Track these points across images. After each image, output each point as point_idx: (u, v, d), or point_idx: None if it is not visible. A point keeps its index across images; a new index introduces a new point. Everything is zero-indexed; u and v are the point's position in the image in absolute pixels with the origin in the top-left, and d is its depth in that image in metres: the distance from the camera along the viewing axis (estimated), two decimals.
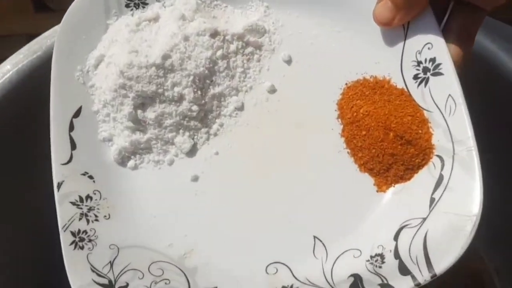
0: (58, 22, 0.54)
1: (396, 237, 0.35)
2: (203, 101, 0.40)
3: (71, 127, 0.39)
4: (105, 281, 0.34)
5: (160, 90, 0.38)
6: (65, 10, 0.47)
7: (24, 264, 0.53)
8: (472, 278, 0.57)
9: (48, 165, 0.38)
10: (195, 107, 0.39)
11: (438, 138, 0.36)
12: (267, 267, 0.36)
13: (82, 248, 0.35)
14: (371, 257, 0.35)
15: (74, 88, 0.40)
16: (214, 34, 0.40)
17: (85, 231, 0.36)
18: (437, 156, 0.36)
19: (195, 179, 0.39)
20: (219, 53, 0.40)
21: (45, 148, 0.41)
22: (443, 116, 0.36)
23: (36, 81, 0.48)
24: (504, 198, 0.35)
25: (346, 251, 0.36)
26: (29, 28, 0.80)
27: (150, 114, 0.39)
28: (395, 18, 0.36)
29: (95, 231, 0.36)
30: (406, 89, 0.38)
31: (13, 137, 0.49)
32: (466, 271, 0.56)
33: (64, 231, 0.35)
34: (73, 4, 0.41)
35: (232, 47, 0.41)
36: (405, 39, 0.38)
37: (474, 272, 0.57)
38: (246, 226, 0.38)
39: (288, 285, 0.35)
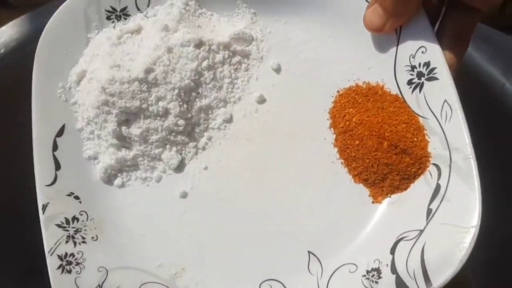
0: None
1: (392, 251, 0.35)
2: (189, 115, 0.40)
3: (55, 147, 0.39)
4: None
5: (144, 105, 0.38)
6: (25, 6, 0.47)
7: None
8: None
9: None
10: (181, 121, 0.39)
11: (435, 146, 0.36)
12: (260, 284, 0.36)
13: (69, 272, 0.35)
14: (367, 272, 0.35)
15: (56, 106, 0.40)
16: (199, 44, 0.40)
17: (72, 254, 0.36)
18: (434, 164, 0.35)
19: (184, 195, 0.39)
20: (204, 64, 0.40)
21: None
22: (439, 123, 0.35)
23: None
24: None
25: (342, 265, 0.36)
26: None
27: (135, 130, 0.39)
28: (385, 24, 0.36)
29: (82, 254, 0.36)
30: (400, 95, 0.38)
31: None
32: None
33: (51, 255, 0.35)
34: (52, 18, 0.41)
35: (218, 57, 0.41)
36: (398, 43, 0.37)
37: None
38: (238, 242, 0.38)
39: None
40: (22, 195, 0.39)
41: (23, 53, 0.53)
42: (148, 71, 0.38)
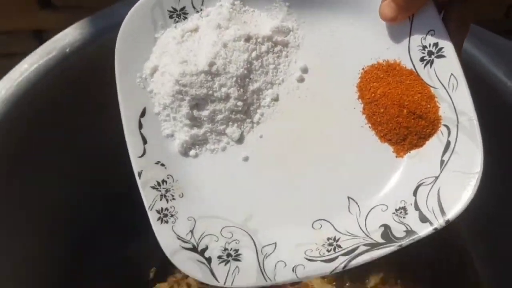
0: (63, 18, 0.59)
1: (415, 193, 0.41)
2: (245, 97, 0.45)
3: (140, 125, 0.45)
4: (190, 246, 0.42)
5: (210, 92, 0.44)
6: (69, 7, 0.52)
7: None
8: (454, 255, 0.64)
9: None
10: (239, 103, 0.45)
11: (444, 111, 0.41)
12: (313, 223, 0.43)
13: (167, 222, 0.42)
14: (396, 210, 0.41)
15: (137, 93, 0.46)
16: (248, 38, 0.45)
17: (166, 209, 0.43)
18: (444, 125, 0.41)
19: (246, 159, 0.45)
20: (253, 54, 0.45)
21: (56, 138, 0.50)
22: (447, 92, 0.41)
23: (51, 78, 0.55)
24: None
25: (375, 206, 0.42)
26: (34, 24, 0.84)
27: (204, 112, 0.45)
28: (398, 16, 0.41)
29: (174, 208, 0.43)
30: (414, 70, 0.43)
31: (36, 133, 0.56)
32: (450, 249, 0.64)
33: (150, 210, 0.42)
34: (124, 22, 0.46)
35: (264, 48, 0.46)
36: (411, 27, 0.42)
37: (456, 250, 0.64)
38: (293, 192, 0.44)
39: (332, 237, 0.42)
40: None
41: (85, 52, 0.59)
42: (211, 64, 0.44)
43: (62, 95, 0.58)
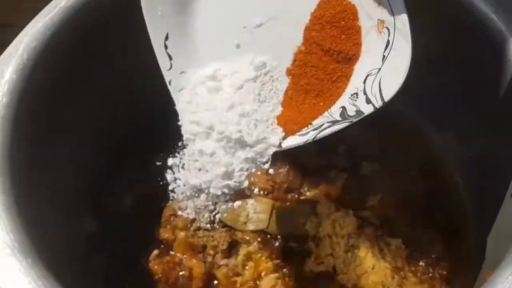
0: None
1: (364, 81, 0.49)
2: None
3: (166, 47, 0.52)
4: None
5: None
6: None
7: None
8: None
9: None
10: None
11: (386, 16, 0.50)
12: None
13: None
14: (351, 95, 0.49)
15: (159, 22, 0.53)
16: (240, 87, 0.52)
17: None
18: (386, 27, 0.51)
19: None
20: (256, 91, 0.53)
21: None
22: (389, 3, 0.50)
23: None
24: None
25: None
26: None
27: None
28: None
29: None
30: None
31: (77, 57, 0.61)
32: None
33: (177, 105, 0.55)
34: None
35: (257, 83, 0.53)
36: None
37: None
38: None
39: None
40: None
41: None
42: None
43: (110, 18, 0.62)
